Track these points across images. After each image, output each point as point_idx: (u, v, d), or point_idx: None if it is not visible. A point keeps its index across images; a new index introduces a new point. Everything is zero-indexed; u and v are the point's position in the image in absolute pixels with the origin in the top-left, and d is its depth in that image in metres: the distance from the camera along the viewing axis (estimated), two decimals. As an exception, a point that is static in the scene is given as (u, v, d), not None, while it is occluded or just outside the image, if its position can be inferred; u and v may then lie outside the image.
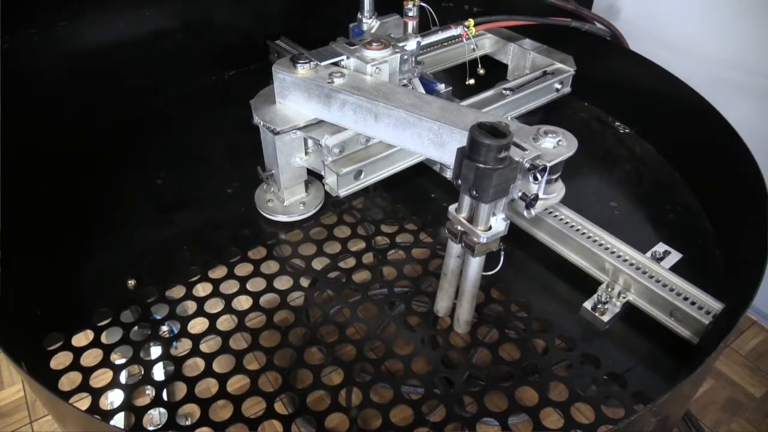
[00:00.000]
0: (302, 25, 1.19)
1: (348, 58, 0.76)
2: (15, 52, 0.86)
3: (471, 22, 0.92)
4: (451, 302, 0.67)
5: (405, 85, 0.81)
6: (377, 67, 0.75)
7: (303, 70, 0.74)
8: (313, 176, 0.82)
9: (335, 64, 0.76)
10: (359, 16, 0.89)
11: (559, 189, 0.65)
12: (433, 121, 0.66)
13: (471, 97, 0.90)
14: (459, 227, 0.59)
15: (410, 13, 0.85)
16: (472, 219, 0.58)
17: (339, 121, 0.73)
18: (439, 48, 1.02)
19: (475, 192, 0.54)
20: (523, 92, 0.93)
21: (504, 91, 0.92)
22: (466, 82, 0.95)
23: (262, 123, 0.75)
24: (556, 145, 0.62)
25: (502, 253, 0.63)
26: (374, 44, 0.76)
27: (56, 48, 0.93)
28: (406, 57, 0.78)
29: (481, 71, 0.95)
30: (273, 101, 0.77)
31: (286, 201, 0.82)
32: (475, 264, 0.60)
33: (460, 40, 0.94)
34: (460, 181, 0.54)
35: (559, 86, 0.98)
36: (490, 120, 0.54)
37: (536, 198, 0.60)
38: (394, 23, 0.90)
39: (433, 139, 0.67)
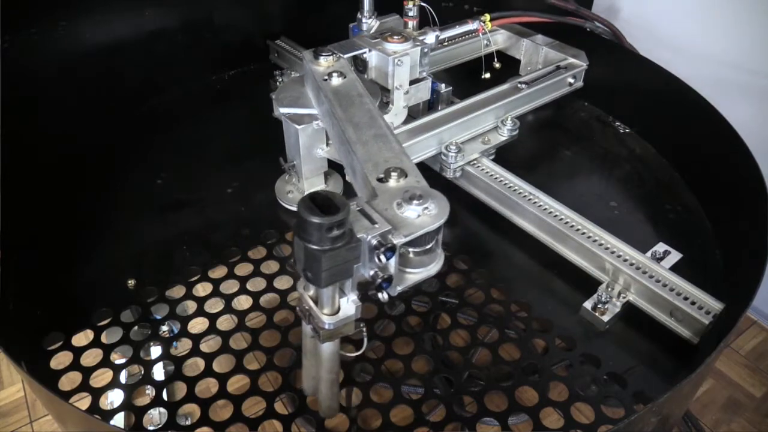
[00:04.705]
0: (302, 25, 1.19)
1: (369, 51, 0.77)
2: (15, 52, 0.86)
3: (487, 17, 0.94)
4: (315, 382, 0.58)
5: (424, 79, 0.82)
6: (399, 60, 0.76)
7: (325, 62, 0.75)
8: (333, 167, 0.82)
9: (357, 57, 0.78)
10: (359, 16, 0.89)
11: (435, 261, 0.55)
12: (350, 144, 0.63)
13: (485, 91, 0.91)
14: (306, 306, 0.51)
15: (410, 13, 0.86)
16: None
17: (322, 120, 0.74)
18: (449, 45, 1.03)
19: (309, 274, 0.46)
20: (537, 86, 0.93)
21: (519, 85, 0.93)
22: (482, 77, 0.97)
23: (274, 99, 0.76)
24: (420, 213, 0.51)
25: (365, 335, 0.54)
26: (395, 37, 0.78)
27: (56, 48, 0.93)
28: (426, 50, 0.79)
29: (497, 65, 0.96)
30: (298, 88, 0.79)
31: (307, 192, 0.82)
32: (327, 349, 0.53)
33: (471, 36, 0.96)
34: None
35: (572, 80, 0.99)
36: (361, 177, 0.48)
37: (390, 279, 0.49)
38: (393, 23, 0.90)
39: (350, 163, 0.63)
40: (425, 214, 0.52)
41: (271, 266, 0.74)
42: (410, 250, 0.53)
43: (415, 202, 0.52)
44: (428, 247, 0.54)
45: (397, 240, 0.49)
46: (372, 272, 0.49)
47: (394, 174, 0.56)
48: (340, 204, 0.43)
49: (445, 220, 0.52)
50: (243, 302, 0.70)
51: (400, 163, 0.58)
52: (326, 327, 0.49)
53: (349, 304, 0.50)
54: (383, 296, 0.51)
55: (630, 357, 0.65)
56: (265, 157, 0.84)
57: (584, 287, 0.70)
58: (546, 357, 0.65)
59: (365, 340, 0.55)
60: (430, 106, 0.90)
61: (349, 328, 0.51)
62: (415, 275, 0.54)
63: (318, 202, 0.43)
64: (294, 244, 0.45)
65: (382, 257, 0.48)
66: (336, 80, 0.73)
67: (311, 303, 0.50)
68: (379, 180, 0.56)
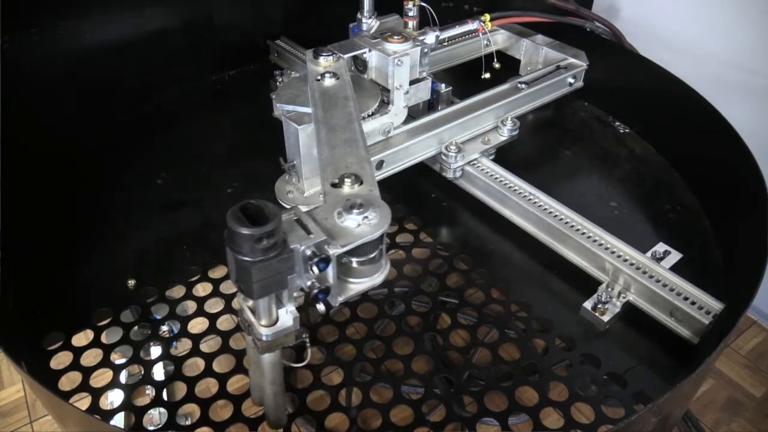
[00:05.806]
0: (302, 25, 1.19)
1: (369, 51, 0.78)
2: (15, 52, 0.86)
3: (487, 17, 0.94)
4: (262, 392, 0.58)
5: (424, 79, 0.83)
6: (399, 60, 0.77)
7: (324, 62, 0.76)
8: None
9: (357, 57, 0.78)
10: (359, 16, 0.89)
11: (378, 271, 0.53)
12: (320, 146, 0.62)
13: (485, 91, 0.91)
14: (246, 317, 0.50)
15: (410, 13, 0.86)
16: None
17: (314, 118, 0.74)
18: (449, 45, 1.04)
19: (242, 286, 0.45)
20: (537, 86, 0.93)
21: (519, 85, 0.93)
22: (482, 77, 0.97)
23: (274, 98, 0.75)
24: (360, 223, 0.50)
25: (308, 345, 0.53)
26: (395, 37, 0.78)
27: (56, 48, 0.92)
28: (426, 50, 0.80)
29: (497, 65, 0.96)
30: (299, 86, 0.79)
31: (306, 192, 0.81)
32: (267, 360, 0.52)
33: (471, 36, 0.96)
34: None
35: (572, 80, 0.99)
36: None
37: (327, 291, 0.48)
38: (393, 23, 0.90)
39: (320, 163, 0.63)
40: (365, 224, 0.50)
41: (271, 266, 0.74)
42: (353, 259, 0.52)
43: (355, 211, 0.50)
44: (372, 256, 0.52)
45: (333, 250, 0.47)
46: (309, 283, 0.48)
47: (348, 180, 0.55)
48: (270, 214, 0.42)
49: (385, 230, 0.50)
50: (243, 302, 0.70)
51: (359, 170, 0.57)
52: (263, 338, 0.49)
53: (287, 315, 0.49)
54: (320, 307, 0.49)
55: (630, 357, 0.65)
56: (265, 157, 0.84)
57: (584, 287, 0.70)
58: (546, 357, 0.65)
59: (308, 350, 0.54)
60: (430, 106, 0.90)
61: (289, 339, 0.50)
62: (358, 285, 0.52)
63: (249, 212, 0.42)
64: (227, 255, 0.44)
65: (315, 268, 0.46)
66: (328, 81, 0.73)
67: (250, 314, 0.49)
68: (333, 185, 0.55)
